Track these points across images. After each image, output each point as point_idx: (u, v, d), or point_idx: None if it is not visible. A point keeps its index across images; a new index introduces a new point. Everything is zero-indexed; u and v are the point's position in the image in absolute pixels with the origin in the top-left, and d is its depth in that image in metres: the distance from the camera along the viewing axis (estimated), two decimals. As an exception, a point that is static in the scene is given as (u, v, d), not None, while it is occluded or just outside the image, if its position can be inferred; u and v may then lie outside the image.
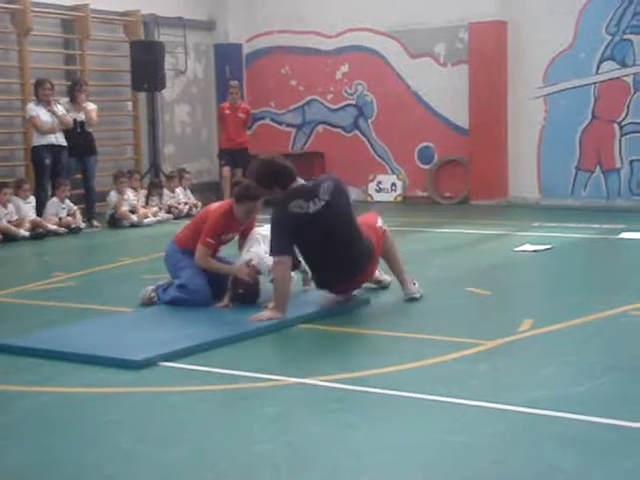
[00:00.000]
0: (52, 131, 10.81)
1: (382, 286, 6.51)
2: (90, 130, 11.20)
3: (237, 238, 6.42)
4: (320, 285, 6.03)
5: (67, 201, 10.88)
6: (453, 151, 13.24)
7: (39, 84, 10.85)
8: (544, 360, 4.70)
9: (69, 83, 11.61)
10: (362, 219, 6.12)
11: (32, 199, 10.57)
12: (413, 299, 6.18)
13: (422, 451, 3.48)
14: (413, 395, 4.12)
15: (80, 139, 11.05)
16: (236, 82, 13.11)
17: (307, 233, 5.65)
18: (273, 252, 5.61)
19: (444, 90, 13.09)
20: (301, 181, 5.79)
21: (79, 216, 10.93)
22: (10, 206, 10.29)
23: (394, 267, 6.28)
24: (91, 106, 11.27)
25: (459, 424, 3.75)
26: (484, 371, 4.54)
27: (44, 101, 10.77)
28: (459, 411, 3.93)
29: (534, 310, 5.94)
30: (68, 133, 10.92)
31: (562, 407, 3.88)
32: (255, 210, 6.18)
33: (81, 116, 11.08)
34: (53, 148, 10.85)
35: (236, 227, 6.26)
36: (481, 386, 4.26)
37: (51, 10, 11.91)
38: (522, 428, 3.70)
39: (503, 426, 3.72)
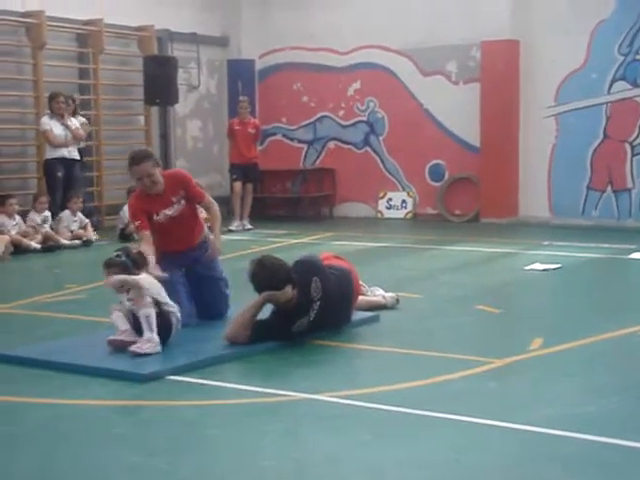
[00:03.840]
0: (65, 145, 10.86)
1: (386, 307, 6.50)
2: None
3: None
4: None
5: (79, 214, 10.92)
6: (464, 169, 13.24)
7: (53, 97, 10.91)
8: (554, 379, 4.69)
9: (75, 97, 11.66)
10: (325, 255, 6.29)
11: (47, 212, 10.64)
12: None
13: (433, 469, 3.46)
14: (423, 413, 4.11)
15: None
16: (245, 98, 13.17)
17: (307, 333, 5.57)
18: (252, 329, 5.35)
19: (455, 108, 13.11)
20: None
21: (90, 229, 10.97)
22: (17, 217, 10.35)
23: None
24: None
25: (469, 442, 3.74)
26: (494, 389, 4.53)
27: (58, 114, 10.82)
28: (469, 429, 3.91)
29: (544, 329, 5.92)
30: None
31: (572, 427, 3.86)
32: (146, 174, 5.79)
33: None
34: (65, 161, 10.91)
35: (157, 203, 5.89)
36: (491, 404, 4.25)
37: (66, 24, 11.99)
38: (532, 447, 3.68)
39: (513, 445, 3.71)
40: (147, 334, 5.13)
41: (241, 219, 12.69)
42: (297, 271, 5.55)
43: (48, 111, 11.00)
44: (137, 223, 5.92)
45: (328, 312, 5.59)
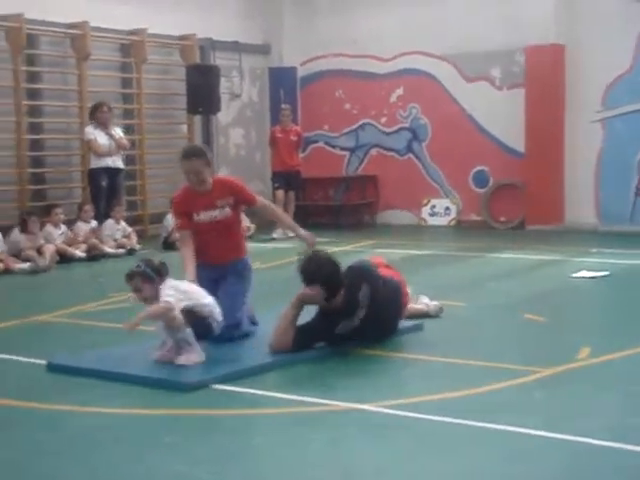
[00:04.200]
0: (109, 154, 10.96)
1: (429, 316, 6.43)
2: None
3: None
4: None
5: (122, 222, 11.01)
6: (508, 175, 13.11)
7: (97, 107, 11.02)
8: (602, 389, 4.62)
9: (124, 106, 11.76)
10: (377, 261, 6.21)
11: (93, 221, 10.75)
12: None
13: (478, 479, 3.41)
14: (468, 423, 4.06)
15: None
16: (288, 105, 13.18)
17: (349, 339, 5.53)
18: (296, 341, 5.34)
19: (499, 113, 13.00)
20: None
21: (134, 237, 11.05)
22: (63, 226, 10.47)
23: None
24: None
25: (517, 453, 3.68)
26: (540, 399, 4.47)
27: (102, 124, 10.92)
28: (516, 440, 3.85)
29: (592, 338, 5.82)
30: None
31: (621, 438, 3.79)
32: (193, 171, 5.74)
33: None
34: (109, 170, 11.00)
35: (200, 202, 5.80)
36: (538, 415, 4.18)
37: (110, 35, 12.11)
38: (581, 458, 3.62)
39: (561, 456, 3.65)
40: (189, 348, 5.16)
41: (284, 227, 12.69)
42: (348, 274, 5.55)
43: (92, 121, 11.10)
44: (178, 222, 5.94)
45: (374, 321, 5.55)
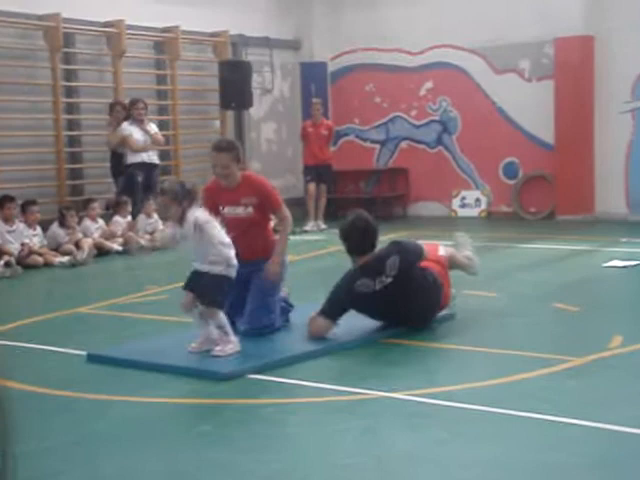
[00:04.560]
0: (145, 149, 11.12)
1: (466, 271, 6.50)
2: (122, 152, 11.16)
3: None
4: None
5: (155, 216, 11.15)
6: (538, 166, 13.11)
7: (133, 103, 11.17)
8: (635, 378, 4.65)
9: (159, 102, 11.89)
10: (431, 248, 6.17)
11: (129, 216, 10.93)
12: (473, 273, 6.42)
13: (513, 469, 3.46)
14: (501, 411, 4.11)
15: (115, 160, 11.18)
16: (318, 100, 13.26)
17: (369, 307, 5.71)
18: (322, 310, 5.61)
19: (529, 105, 13.00)
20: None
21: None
22: (100, 221, 10.66)
23: (460, 268, 6.42)
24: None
25: (551, 442, 3.71)
26: (573, 388, 4.49)
27: (138, 120, 11.08)
28: (550, 428, 3.89)
29: (623, 327, 5.85)
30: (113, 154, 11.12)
31: (654, 425, 3.82)
32: (220, 164, 5.72)
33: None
34: (145, 166, 11.15)
35: (226, 196, 5.79)
36: (571, 403, 4.22)
37: (144, 32, 12.26)
38: (614, 447, 3.65)
39: (597, 445, 3.67)
40: (224, 338, 5.23)
41: (315, 219, 12.80)
42: (389, 243, 5.80)
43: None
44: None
45: (395, 295, 5.61)
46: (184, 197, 5.16)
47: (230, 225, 5.63)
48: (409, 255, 5.78)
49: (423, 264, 5.93)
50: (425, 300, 5.81)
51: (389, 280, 5.62)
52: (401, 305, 5.68)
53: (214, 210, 5.59)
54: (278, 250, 5.83)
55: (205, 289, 5.19)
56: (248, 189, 5.80)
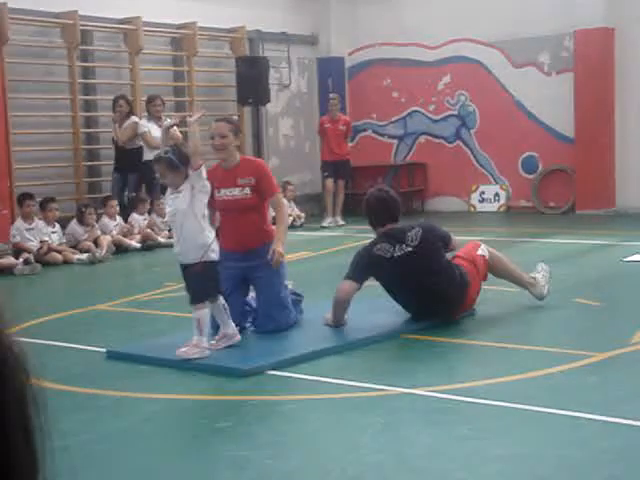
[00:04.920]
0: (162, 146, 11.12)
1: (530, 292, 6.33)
2: (133, 148, 11.07)
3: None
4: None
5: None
6: (558, 160, 13.03)
7: (150, 100, 11.18)
8: (657, 373, 4.61)
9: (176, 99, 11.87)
10: (462, 250, 6.12)
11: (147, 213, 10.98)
12: (542, 298, 6.23)
13: (535, 464, 3.44)
14: (522, 407, 4.09)
15: (126, 156, 11.02)
16: (336, 95, 13.22)
17: (388, 274, 5.78)
18: (347, 275, 5.75)
19: (548, 99, 12.91)
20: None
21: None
22: (118, 218, 10.69)
23: (512, 279, 6.28)
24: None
25: (572, 437, 3.69)
26: (595, 383, 4.47)
27: (155, 117, 11.09)
28: (572, 424, 3.87)
29: (646, 322, 5.80)
30: (115, 150, 11.01)
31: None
32: (219, 133, 5.69)
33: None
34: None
35: (224, 178, 5.70)
36: (593, 399, 4.20)
37: (161, 29, 12.27)
38: (637, 444, 3.62)
39: (619, 441, 3.65)
40: (195, 338, 5.10)
41: (334, 215, 12.77)
42: (418, 222, 5.97)
43: (145, 114, 11.28)
44: None
45: (413, 272, 5.65)
46: (181, 163, 5.10)
47: (226, 208, 5.67)
48: (433, 232, 5.89)
49: (456, 260, 5.94)
50: (445, 290, 5.76)
51: (409, 249, 5.70)
52: (418, 282, 5.68)
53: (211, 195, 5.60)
54: (279, 235, 5.71)
55: (189, 287, 5.18)
56: (246, 170, 5.76)
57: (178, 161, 5.09)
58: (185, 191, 5.10)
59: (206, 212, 5.21)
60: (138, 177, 11.17)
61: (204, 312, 5.14)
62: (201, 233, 5.11)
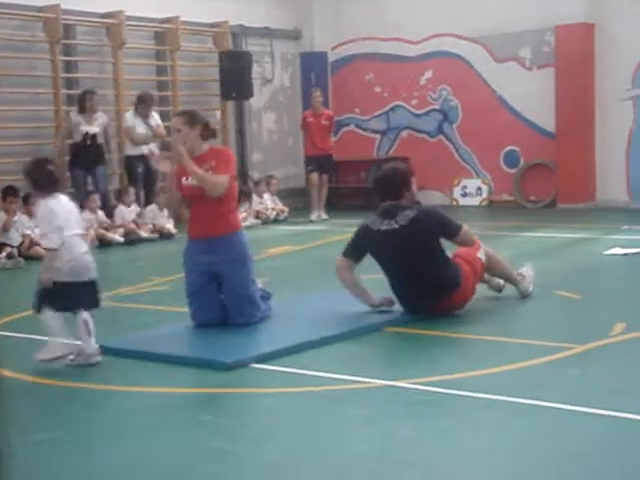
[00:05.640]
0: (145, 142, 11.11)
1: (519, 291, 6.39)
2: (101, 142, 10.92)
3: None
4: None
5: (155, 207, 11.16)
6: (539, 155, 13.10)
7: (143, 99, 11.12)
8: (637, 365, 4.65)
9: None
10: (463, 250, 6.06)
11: (134, 207, 10.92)
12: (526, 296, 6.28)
13: (517, 456, 3.47)
14: (504, 399, 4.11)
15: (89, 151, 10.81)
16: (319, 89, 13.21)
17: (376, 250, 5.84)
18: (343, 252, 5.96)
19: (530, 94, 12.98)
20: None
21: (171, 222, 11.20)
22: (100, 212, 10.66)
23: (504, 277, 6.32)
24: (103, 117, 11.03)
25: (554, 429, 3.72)
26: (576, 375, 4.50)
27: (143, 115, 11.07)
28: (553, 416, 3.89)
29: (626, 314, 5.83)
30: (77, 145, 10.78)
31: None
32: (175, 129, 5.74)
33: (93, 128, 10.78)
34: (145, 158, 11.15)
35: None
36: (574, 391, 4.23)
37: (144, 23, 12.25)
38: (619, 434, 3.65)
39: (598, 431, 3.68)
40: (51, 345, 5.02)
41: (318, 209, 12.77)
42: (420, 206, 5.90)
43: (129, 108, 11.26)
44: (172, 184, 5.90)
45: (398, 252, 5.71)
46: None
47: (192, 195, 5.71)
48: (431, 217, 5.82)
49: (456, 260, 5.90)
50: (426, 277, 5.74)
51: (395, 227, 5.72)
52: (400, 261, 5.75)
53: (179, 184, 5.75)
54: (195, 168, 5.61)
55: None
56: (210, 155, 5.78)
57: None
58: None
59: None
60: (105, 170, 11.06)
61: (47, 316, 5.02)
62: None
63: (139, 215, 10.98)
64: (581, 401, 4.02)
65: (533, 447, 3.54)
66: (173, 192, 5.87)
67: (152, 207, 11.07)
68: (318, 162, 12.81)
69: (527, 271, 6.45)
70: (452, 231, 5.89)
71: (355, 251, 5.92)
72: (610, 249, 8.43)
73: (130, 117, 11.09)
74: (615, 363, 4.70)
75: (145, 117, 11.10)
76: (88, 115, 10.76)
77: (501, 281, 6.40)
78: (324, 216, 12.66)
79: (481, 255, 6.08)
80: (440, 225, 5.86)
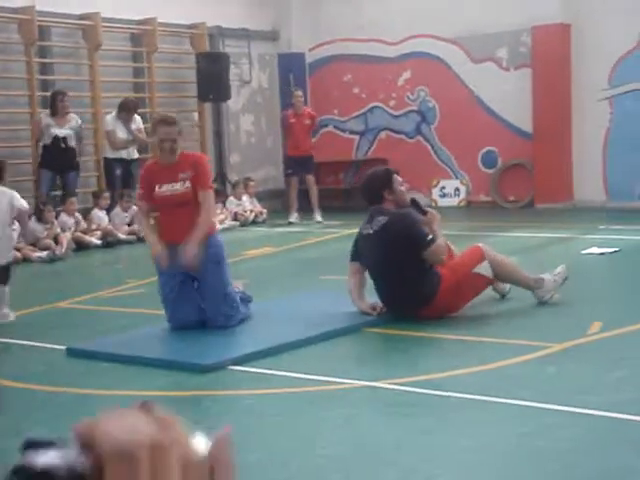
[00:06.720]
0: (125, 147, 11.07)
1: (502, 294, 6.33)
2: (73, 145, 10.73)
3: None
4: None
5: (133, 209, 11.10)
6: (517, 155, 13.15)
7: (126, 107, 11.05)
8: (613, 363, 4.67)
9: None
10: (457, 260, 5.97)
11: (118, 210, 10.90)
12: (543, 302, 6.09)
13: (496, 454, 3.49)
14: (483, 398, 4.13)
15: (61, 155, 10.63)
16: (299, 89, 13.13)
17: (361, 254, 5.93)
18: (351, 258, 6.02)
19: (507, 94, 13.02)
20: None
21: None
22: (77, 215, 10.60)
23: (517, 284, 6.17)
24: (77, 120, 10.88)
25: (531, 427, 3.73)
26: (553, 374, 4.52)
27: (125, 120, 11.01)
28: (530, 414, 3.91)
29: (602, 313, 5.88)
30: (47, 147, 10.59)
31: (634, 410, 3.85)
32: (171, 138, 5.71)
33: (63, 131, 10.60)
34: (124, 161, 11.10)
35: (165, 174, 5.69)
36: (551, 389, 4.25)
37: (120, 25, 12.18)
38: (595, 432, 3.68)
39: (576, 429, 3.70)
40: None
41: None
42: (407, 212, 5.90)
43: (108, 110, 11.20)
44: (139, 192, 6.01)
45: (369, 258, 5.83)
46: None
47: (167, 203, 5.69)
48: (397, 227, 5.66)
49: (443, 271, 5.75)
50: (394, 287, 5.74)
51: (369, 232, 5.82)
52: (374, 266, 5.84)
53: (149, 192, 5.74)
54: (197, 233, 5.57)
55: None
56: (185, 163, 5.75)
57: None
58: None
59: None
60: (76, 175, 10.96)
61: None
62: None
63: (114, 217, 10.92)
64: (558, 400, 4.04)
65: (512, 445, 3.56)
66: (145, 208, 5.94)
67: (117, 210, 10.97)
68: (300, 163, 12.63)
69: (549, 276, 6.20)
70: (420, 244, 5.66)
71: (355, 255, 6.01)
72: (587, 248, 8.47)
73: (111, 120, 11.03)
74: (591, 362, 4.72)
75: (127, 122, 11.03)
76: (60, 117, 10.63)
77: (507, 286, 6.26)
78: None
79: (483, 270, 5.82)
80: (408, 237, 5.66)
